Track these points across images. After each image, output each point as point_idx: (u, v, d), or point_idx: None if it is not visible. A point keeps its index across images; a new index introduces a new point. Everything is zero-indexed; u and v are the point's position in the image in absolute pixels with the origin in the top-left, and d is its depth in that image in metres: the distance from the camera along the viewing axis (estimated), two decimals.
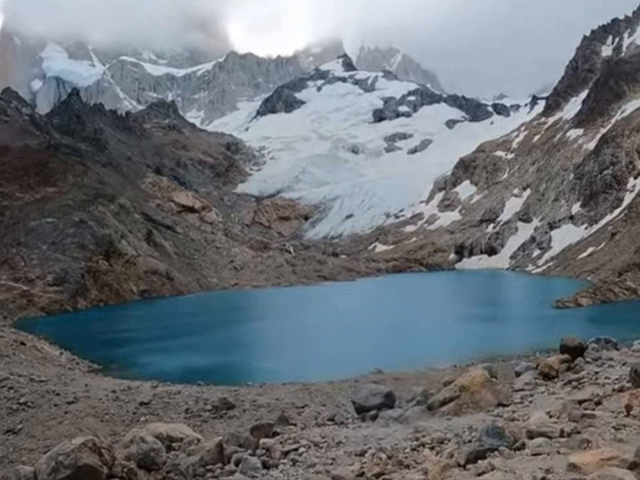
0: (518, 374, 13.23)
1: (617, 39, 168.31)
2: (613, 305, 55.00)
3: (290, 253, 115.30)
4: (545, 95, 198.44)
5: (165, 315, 62.20)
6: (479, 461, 6.56)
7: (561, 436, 6.95)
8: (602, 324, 42.94)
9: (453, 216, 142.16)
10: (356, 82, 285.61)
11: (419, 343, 39.99)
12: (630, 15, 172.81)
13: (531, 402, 10.41)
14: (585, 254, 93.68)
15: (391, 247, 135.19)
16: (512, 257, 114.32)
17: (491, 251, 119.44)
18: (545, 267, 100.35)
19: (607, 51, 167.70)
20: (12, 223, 75.19)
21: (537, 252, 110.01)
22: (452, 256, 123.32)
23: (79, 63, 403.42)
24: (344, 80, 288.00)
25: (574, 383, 10.89)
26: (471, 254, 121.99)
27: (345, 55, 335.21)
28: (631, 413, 7.22)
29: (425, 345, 39.11)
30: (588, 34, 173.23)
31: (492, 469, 5.93)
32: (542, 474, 5.44)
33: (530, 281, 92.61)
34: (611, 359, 12.32)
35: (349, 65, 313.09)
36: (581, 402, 8.83)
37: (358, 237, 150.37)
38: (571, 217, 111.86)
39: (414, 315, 57.99)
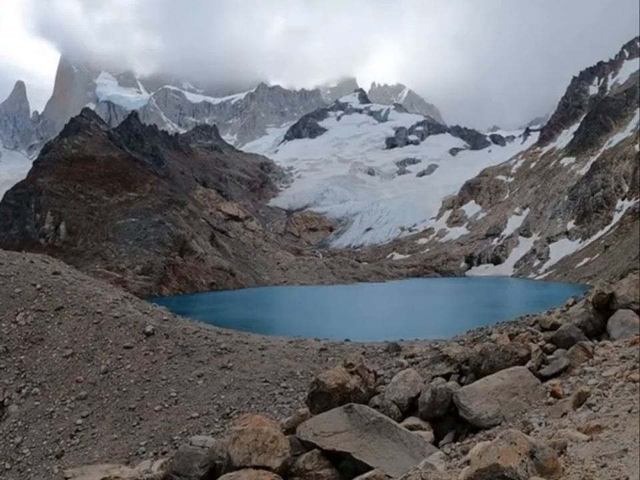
0: None
1: (602, 80, 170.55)
2: None
3: (319, 258, 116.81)
4: (534, 127, 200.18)
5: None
6: None
7: None
8: None
9: (460, 230, 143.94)
10: (370, 113, 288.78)
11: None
12: (613, 58, 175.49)
13: None
14: (581, 263, 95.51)
15: (407, 256, 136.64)
16: (515, 266, 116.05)
17: (497, 261, 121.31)
18: (546, 275, 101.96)
19: (593, 90, 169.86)
20: (100, 221, 77.70)
21: (537, 262, 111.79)
22: (462, 264, 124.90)
23: (127, 89, 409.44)
24: (360, 111, 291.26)
25: None
26: (479, 263, 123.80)
27: (360, 90, 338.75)
28: None
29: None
30: (577, 75, 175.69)
31: None
32: None
33: (536, 286, 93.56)
34: None
35: (364, 98, 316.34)
36: None
37: (377, 246, 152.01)
38: (567, 233, 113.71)
39: (442, 310, 59.66)
